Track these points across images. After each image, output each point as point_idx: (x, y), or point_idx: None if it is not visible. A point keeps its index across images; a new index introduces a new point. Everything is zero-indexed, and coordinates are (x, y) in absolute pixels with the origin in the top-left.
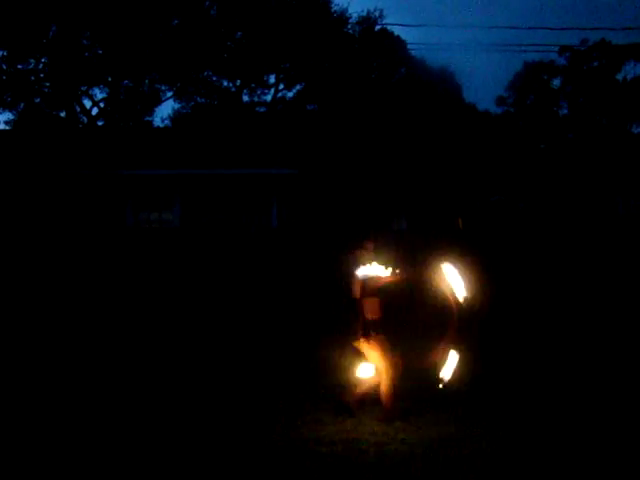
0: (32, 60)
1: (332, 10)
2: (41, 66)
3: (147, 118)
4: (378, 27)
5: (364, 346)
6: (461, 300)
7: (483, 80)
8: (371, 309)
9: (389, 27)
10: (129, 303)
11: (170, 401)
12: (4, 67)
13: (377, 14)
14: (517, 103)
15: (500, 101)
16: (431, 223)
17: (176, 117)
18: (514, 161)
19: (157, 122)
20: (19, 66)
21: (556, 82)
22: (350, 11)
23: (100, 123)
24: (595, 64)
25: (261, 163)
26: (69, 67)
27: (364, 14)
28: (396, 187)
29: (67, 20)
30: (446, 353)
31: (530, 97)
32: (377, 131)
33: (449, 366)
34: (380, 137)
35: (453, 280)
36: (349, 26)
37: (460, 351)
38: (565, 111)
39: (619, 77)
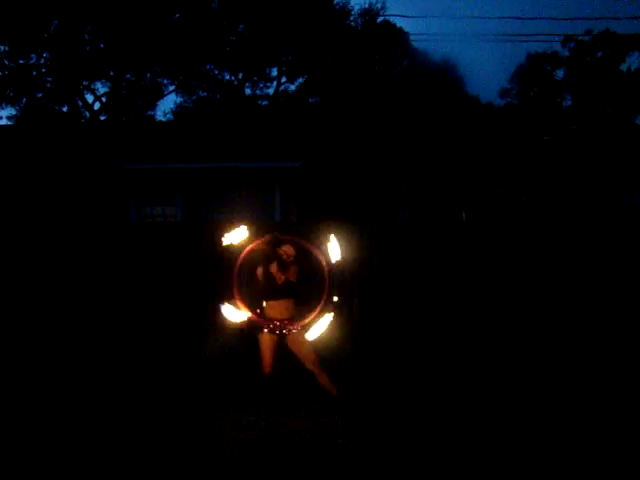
0: (34, 55)
1: (334, 2)
2: (43, 61)
3: (149, 112)
4: (380, 19)
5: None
6: (333, 263)
7: (486, 72)
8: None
9: (391, 19)
10: (132, 298)
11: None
12: (6, 62)
13: (379, 6)
14: (520, 95)
15: (503, 93)
16: (434, 215)
17: (178, 111)
18: (517, 153)
19: (159, 116)
20: (21, 61)
21: (560, 73)
22: (352, 3)
23: (102, 117)
24: (599, 55)
25: (264, 156)
26: (71, 62)
27: (366, 6)
28: (399, 179)
29: (68, 14)
30: (318, 317)
31: (533, 89)
32: (380, 123)
33: (317, 328)
34: (383, 129)
35: (330, 248)
36: (351, 18)
37: (328, 314)
38: (569, 102)
39: (623, 68)
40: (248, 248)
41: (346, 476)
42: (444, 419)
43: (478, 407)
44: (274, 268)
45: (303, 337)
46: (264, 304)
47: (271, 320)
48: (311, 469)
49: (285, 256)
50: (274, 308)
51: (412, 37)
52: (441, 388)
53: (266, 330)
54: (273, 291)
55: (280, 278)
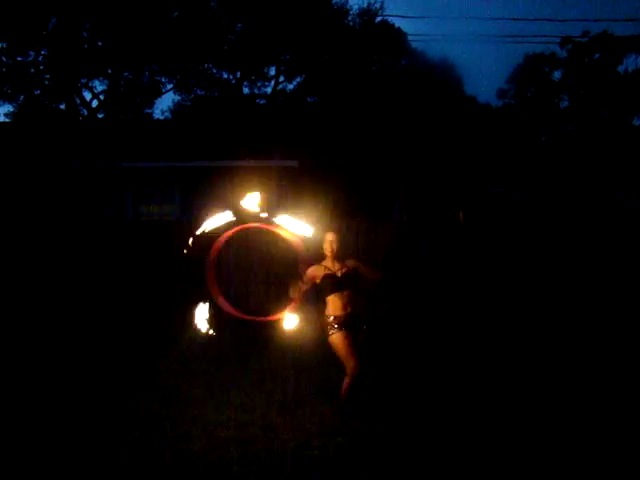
0: (32, 52)
1: (332, 2)
2: (41, 58)
3: (147, 110)
4: (379, 19)
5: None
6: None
7: (484, 72)
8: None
9: (390, 19)
10: (128, 296)
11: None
12: (4, 59)
13: (378, 6)
14: (518, 95)
15: (501, 93)
16: (431, 214)
17: (176, 109)
18: (514, 154)
19: (157, 114)
20: (19, 58)
21: (557, 74)
22: (350, 3)
23: (100, 115)
24: (596, 56)
25: (261, 155)
26: (69, 59)
27: (364, 6)
28: (396, 179)
29: (67, 12)
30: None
31: (531, 89)
32: (378, 123)
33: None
34: (381, 129)
35: None
36: (349, 18)
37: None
38: (566, 103)
39: (620, 69)
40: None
41: (340, 476)
42: (442, 416)
43: (475, 404)
44: (328, 261)
45: (364, 338)
46: (327, 302)
47: (335, 318)
48: (304, 469)
49: (329, 244)
50: (335, 303)
51: (410, 37)
52: (439, 384)
53: (336, 328)
54: (334, 285)
55: (338, 270)
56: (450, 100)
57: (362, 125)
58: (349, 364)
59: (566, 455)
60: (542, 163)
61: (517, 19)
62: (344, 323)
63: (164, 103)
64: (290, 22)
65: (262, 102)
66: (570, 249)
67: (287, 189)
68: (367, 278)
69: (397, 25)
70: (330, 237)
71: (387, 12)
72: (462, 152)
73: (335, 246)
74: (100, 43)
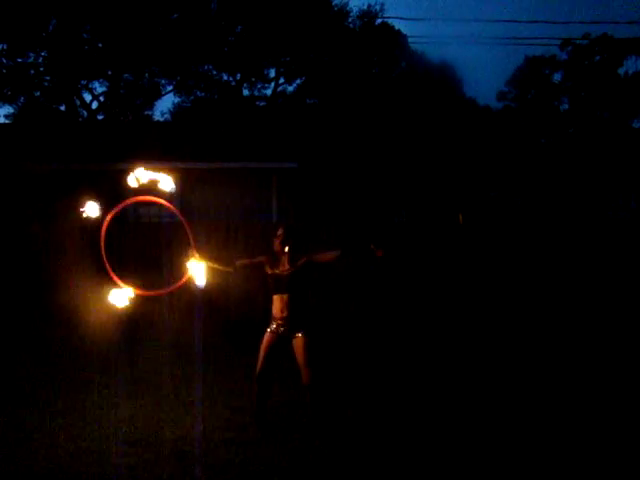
0: (32, 54)
1: (333, 4)
2: (41, 60)
3: (147, 112)
4: (379, 21)
5: None
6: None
7: (484, 74)
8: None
9: (390, 21)
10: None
11: None
12: (4, 61)
13: (378, 8)
14: (518, 98)
15: (501, 96)
16: (431, 217)
17: (176, 111)
18: (514, 156)
19: (157, 116)
20: (19, 60)
21: (557, 77)
22: (351, 5)
23: (100, 117)
24: (597, 59)
25: (261, 157)
26: (69, 61)
27: (365, 8)
28: (396, 181)
29: (67, 14)
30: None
31: (531, 92)
32: (377, 125)
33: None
34: (380, 131)
35: None
36: (350, 20)
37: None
38: (566, 106)
39: (621, 72)
40: None
41: None
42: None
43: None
44: (271, 257)
45: (304, 344)
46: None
47: (273, 318)
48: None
49: (277, 240)
50: (275, 304)
51: (410, 39)
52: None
53: (268, 329)
54: (274, 284)
55: (282, 268)
56: (450, 102)
57: (362, 127)
58: (258, 365)
59: (565, 455)
60: (542, 166)
61: (518, 21)
62: (278, 329)
63: (164, 105)
64: (290, 24)
65: (262, 104)
66: (570, 252)
67: (287, 191)
68: (325, 262)
69: (397, 27)
70: (280, 232)
71: (387, 14)
72: (462, 154)
73: (280, 241)
74: (100, 44)
